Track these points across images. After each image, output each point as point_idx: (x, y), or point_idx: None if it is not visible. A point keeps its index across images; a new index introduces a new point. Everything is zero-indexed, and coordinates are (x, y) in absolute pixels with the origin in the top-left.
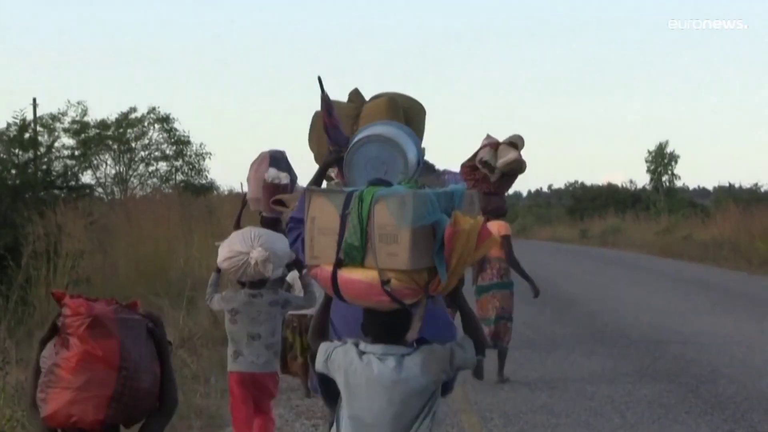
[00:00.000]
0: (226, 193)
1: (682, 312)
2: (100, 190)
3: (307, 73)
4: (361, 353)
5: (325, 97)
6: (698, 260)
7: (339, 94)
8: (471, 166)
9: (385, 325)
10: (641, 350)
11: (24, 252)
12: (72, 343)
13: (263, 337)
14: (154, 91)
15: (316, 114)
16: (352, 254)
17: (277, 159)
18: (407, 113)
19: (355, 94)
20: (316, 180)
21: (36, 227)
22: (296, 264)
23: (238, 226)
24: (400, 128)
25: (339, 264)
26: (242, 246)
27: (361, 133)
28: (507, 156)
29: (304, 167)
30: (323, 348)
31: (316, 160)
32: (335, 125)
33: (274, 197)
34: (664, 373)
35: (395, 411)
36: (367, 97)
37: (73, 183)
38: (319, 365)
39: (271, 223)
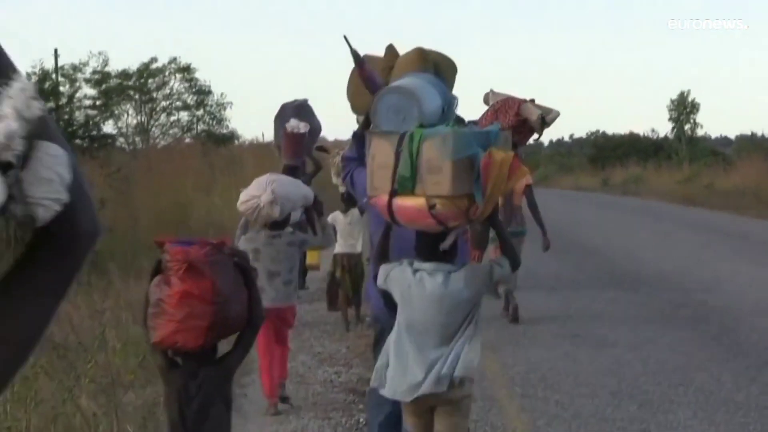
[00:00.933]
0: (247, 143)
1: (704, 260)
2: (121, 140)
3: (327, 21)
4: (415, 271)
5: (354, 53)
6: (720, 209)
7: (370, 44)
8: (520, 121)
9: (433, 246)
10: (663, 298)
11: None
12: (173, 282)
13: (282, 275)
14: (175, 41)
15: (354, 70)
16: (404, 184)
17: (301, 108)
18: (437, 67)
19: (390, 49)
20: (363, 126)
21: None
22: (315, 206)
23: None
24: (425, 79)
25: (394, 193)
26: (256, 190)
27: (391, 84)
28: (551, 112)
29: (329, 114)
30: (384, 269)
31: (353, 110)
32: (369, 77)
33: (299, 151)
34: (687, 320)
35: (443, 320)
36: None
37: (94, 133)
38: (380, 283)
39: (291, 170)
